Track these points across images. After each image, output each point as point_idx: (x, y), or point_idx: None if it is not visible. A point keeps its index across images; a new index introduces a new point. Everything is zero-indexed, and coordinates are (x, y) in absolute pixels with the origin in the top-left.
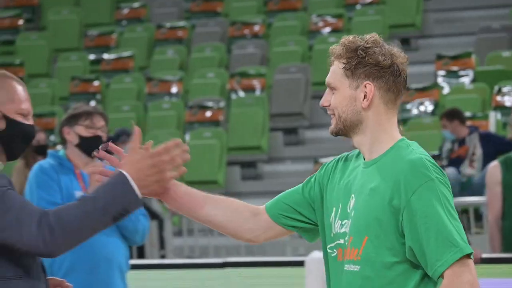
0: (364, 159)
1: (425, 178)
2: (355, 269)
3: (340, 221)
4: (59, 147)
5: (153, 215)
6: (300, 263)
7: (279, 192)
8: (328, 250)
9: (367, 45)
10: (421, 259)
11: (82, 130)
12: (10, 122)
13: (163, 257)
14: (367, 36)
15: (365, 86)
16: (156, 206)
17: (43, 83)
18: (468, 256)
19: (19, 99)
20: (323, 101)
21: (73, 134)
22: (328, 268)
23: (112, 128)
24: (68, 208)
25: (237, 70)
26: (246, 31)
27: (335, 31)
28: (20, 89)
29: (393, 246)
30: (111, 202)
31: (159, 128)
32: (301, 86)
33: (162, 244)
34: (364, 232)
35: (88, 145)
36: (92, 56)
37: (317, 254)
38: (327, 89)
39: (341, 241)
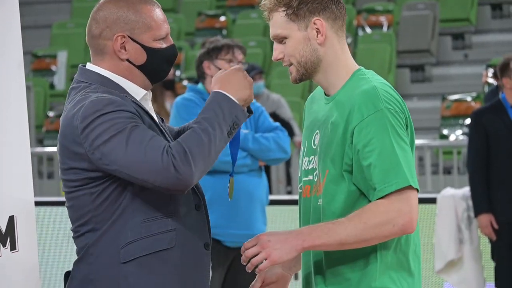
0: (325, 94)
1: (373, 109)
2: (319, 203)
3: (307, 158)
4: (185, 82)
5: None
6: (432, 200)
7: None
8: (299, 190)
9: None
10: (363, 186)
11: (223, 64)
12: (150, 52)
13: (289, 193)
14: None
15: (315, 23)
16: (286, 113)
17: (169, 18)
18: (410, 187)
19: (156, 25)
20: (277, 55)
21: (214, 68)
22: (300, 207)
23: None
24: (188, 134)
25: (364, 6)
26: None
27: None
28: (156, 12)
29: (345, 175)
30: (222, 119)
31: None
32: (428, 23)
33: (289, 180)
34: (327, 166)
35: None
36: None
37: (449, 191)
38: (275, 43)
39: (310, 177)
